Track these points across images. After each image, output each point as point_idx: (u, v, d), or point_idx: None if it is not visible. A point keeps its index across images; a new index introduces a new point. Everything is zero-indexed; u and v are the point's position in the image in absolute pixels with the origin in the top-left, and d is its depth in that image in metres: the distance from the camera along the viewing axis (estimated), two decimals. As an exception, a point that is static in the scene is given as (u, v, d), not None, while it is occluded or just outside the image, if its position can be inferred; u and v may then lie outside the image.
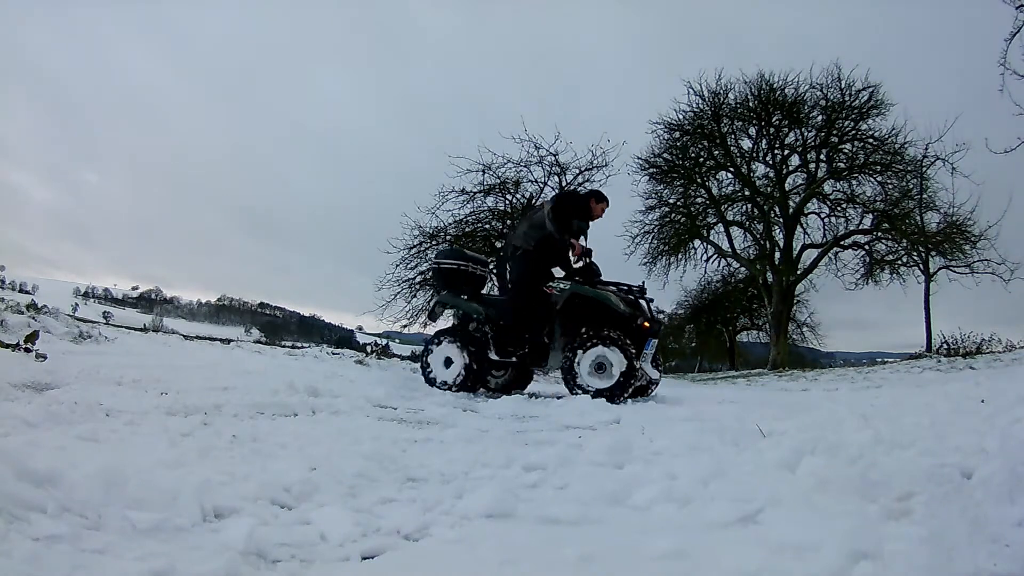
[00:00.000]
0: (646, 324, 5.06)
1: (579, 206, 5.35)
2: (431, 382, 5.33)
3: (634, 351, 4.85)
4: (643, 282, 5.32)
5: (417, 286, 14.03)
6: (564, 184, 13.94)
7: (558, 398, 4.79)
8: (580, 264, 5.25)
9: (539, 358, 5.30)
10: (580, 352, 4.89)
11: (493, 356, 5.31)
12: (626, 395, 4.83)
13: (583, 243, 5.35)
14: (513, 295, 5.33)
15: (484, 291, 5.89)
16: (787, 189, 14.44)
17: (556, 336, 5.16)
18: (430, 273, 5.46)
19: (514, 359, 5.35)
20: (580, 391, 4.82)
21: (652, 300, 5.46)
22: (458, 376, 5.22)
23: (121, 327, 13.77)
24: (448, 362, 5.28)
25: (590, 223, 5.49)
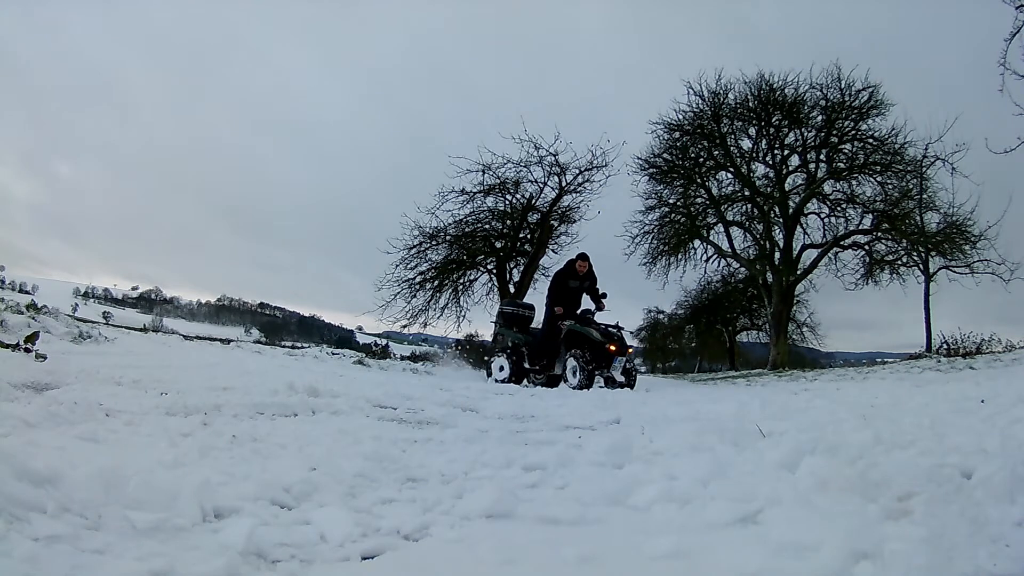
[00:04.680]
0: (611, 348, 7.73)
1: (566, 273, 8.18)
2: (492, 379, 8.30)
3: (593, 362, 7.58)
4: (617, 321, 8.13)
5: (417, 286, 14.02)
6: (564, 184, 13.96)
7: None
8: (564, 321, 7.97)
9: (551, 366, 8.23)
10: (565, 363, 7.86)
11: (527, 365, 8.41)
12: (586, 387, 7.29)
13: (601, 291, 8.20)
14: (540, 331, 8.39)
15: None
16: (787, 189, 14.42)
17: (561, 353, 8.02)
18: (498, 316, 9.16)
19: (538, 367, 8.32)
20: (567, 385, 7.62)
21: (622, 330, 8.19)
22: (506, 376, 8.31)
23: (121, 327, 13.77)
24: (501, 368, 8.49)
25: (584, 273, 8.12)
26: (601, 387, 7.57)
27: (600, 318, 8.08)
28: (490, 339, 14.59)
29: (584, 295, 8.20)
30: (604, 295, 8.11)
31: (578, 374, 7.50)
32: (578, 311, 8.09)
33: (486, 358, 8.90)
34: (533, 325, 8.73)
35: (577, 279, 8.08)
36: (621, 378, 7.73)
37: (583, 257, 8.20)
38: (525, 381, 8.36)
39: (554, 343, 8.07)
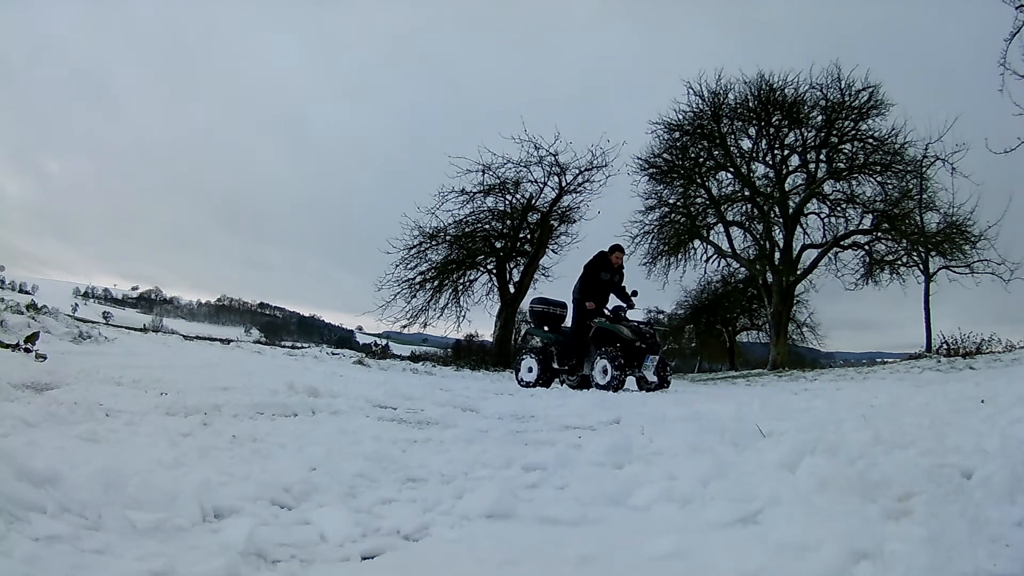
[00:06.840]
0: (642, 345, 7.44)
1: (598, 264, 7.66)
2: (519, 382, 7.92)
3: (624, 362, 7.18)
4: (650, 318, 8.56)
5: (417, 286, 14.02)
6: (564, 184, 13.97)
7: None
8: (595, 318, 7.56)
9: (580, 366, 7.80)
10: (594, 362, 7.37)
11: (555, 365, 7.93)
12: (617, 388, 6.97)
13: (623, 285, 7.86)
14: (570, 329, 7.98)
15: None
16: (787, 189, 14.41)
17: (591, 352, 7.60)
18: (528, 314, 8.89)
19: (567, 367, 7.88)
20: (595, 386, 7.19)
21: (655, 328, 8.08)
22: (534, 378, 7.85)
23: (121, 327, 13.78)
24: (529, 369, 8.00)
25: (618, 267, 7.77)
26: (631, 389, 7.19)
27: (629, 315, 7.73)
28: (491, 339, 14.63)
29: (611, 293, 7.79)
30: (635, 293, 7.78)
31: (608, 373, 7.09)
32: (608, 308, 7.71)
33: (515, 360, 8.49)
34: (565, 323, 8.26)
35: (610, 271, 7.61)
36: (653, 378, 7.40)
37: (619, 248, 7.74)
38: (556, 383, 8.02)
39: (584, 341, 7.64)
